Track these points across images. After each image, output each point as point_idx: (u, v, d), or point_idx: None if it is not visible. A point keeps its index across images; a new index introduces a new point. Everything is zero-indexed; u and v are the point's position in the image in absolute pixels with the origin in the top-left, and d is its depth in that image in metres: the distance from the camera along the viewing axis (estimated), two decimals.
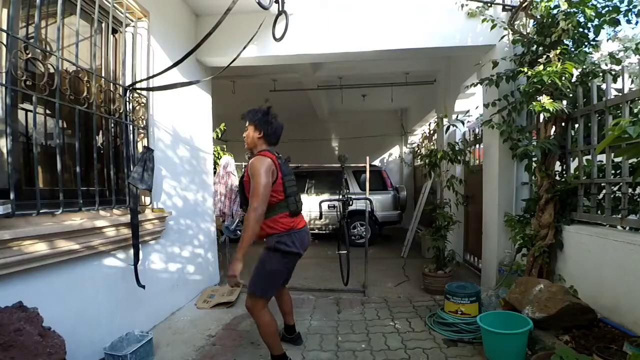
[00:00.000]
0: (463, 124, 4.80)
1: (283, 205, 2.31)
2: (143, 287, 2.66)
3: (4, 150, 1.81)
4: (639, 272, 2.16)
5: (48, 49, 2.13)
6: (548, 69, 2.74)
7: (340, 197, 4.20)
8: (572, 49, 2.99)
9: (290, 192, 2.34)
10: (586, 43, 3.04)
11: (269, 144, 2.39)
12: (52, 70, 2.03)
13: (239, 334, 2.94)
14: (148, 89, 2.84)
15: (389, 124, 9.67)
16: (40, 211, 1.95)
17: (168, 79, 2.82)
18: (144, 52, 2.96)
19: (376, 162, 9.72)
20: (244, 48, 2.51)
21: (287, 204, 2.31)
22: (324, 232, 7.16)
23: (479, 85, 3.54)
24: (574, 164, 3.02)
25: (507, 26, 3.32)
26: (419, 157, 7.28)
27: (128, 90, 2.73)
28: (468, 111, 5.21)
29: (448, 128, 4.60)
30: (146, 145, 2.92)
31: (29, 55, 1.90)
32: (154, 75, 2.67)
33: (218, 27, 2.10)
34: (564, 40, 2.93)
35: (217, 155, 4.95)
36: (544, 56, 2.87)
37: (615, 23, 2.88)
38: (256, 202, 2.11)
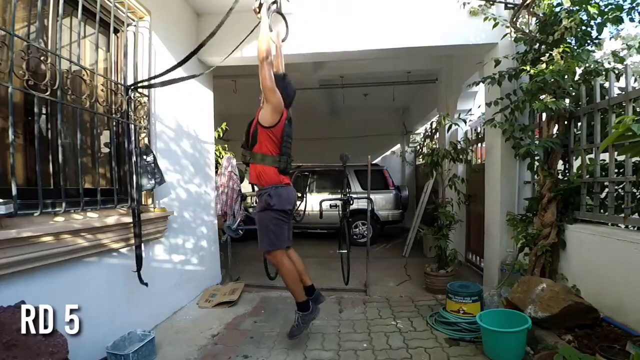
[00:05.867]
0: (465, 122, 4.78)
1: (275, 160, 2.54)
2: (146, 284, 2.66)
3: (6, 150, 1.82)
4: None
5: (50, 48, 2.13)
6: (551, 67, 2.73)
7: (342, 196, 4.19)
8: (575, 47, 2.98)
9: (285, 151, 2.58)
10: (589, 41, 3.02)
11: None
12: (54, 70, 2.03)
13: (240, 332, 2.94)
14: (149, 87, 2.84)
15: (390, 122, 9.63)
16: (42, 211, 1.95)
17: (169, 78, 2.82)
18: (145, 52, 2.96)
19: (378, 161, 9.70)
20: (236, 47, 2.54)
21: (279, 159, 2.55)
22: (325, 231, 7.15)
23: (481, 83, 3.52)
24: (576, 163, 3.01)
25: (509, 24, 3.29)
26: (421, 156, 7.27)
27: (130, 90, 2.73)
28: (470, 110, 5.19)
29: (450, 127, 4.58)
30: (148, 144, 2.93)
31: (31, 55, 1.90)
32: (156, 76, 2.67)
33: (221, 26, 2.11)
34: (567, 39, 2.91)
35: (219, 155, 4.94)
36: (547, 54, 2.85)
37: (619, 21, 2.85)
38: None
